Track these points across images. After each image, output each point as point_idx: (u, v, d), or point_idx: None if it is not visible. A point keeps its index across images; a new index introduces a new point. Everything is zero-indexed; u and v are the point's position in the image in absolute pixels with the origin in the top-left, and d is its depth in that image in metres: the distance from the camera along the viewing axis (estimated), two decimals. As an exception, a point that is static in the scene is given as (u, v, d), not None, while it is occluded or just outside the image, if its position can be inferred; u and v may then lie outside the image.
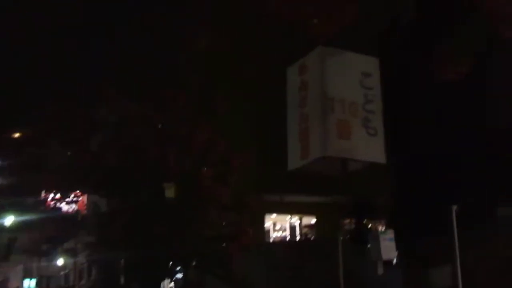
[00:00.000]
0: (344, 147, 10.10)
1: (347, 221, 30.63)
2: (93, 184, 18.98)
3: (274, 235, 30.52)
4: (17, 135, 22.50)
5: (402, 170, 24.59)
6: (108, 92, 18.09)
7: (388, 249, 23.01)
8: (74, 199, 25.44)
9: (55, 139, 19.16)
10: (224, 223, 18.57)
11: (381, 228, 30.72)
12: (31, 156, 19.41)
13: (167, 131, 17.73)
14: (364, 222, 30.30)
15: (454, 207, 20.82)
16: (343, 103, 10.19)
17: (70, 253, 21.19)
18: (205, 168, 17.96)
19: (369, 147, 10.35)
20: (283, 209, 29.20)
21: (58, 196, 27.87)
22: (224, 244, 18.73)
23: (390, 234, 22.56)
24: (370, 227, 30.95)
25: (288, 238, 30.35)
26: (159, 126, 17.65)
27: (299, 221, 30.77)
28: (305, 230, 30.92)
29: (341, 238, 27.12)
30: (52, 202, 27.79)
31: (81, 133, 18.84)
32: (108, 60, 18.98)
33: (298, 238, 30.43)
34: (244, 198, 18.92)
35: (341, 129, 10.11)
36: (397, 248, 22.28)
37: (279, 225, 30.85)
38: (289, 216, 30.55)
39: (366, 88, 10.47)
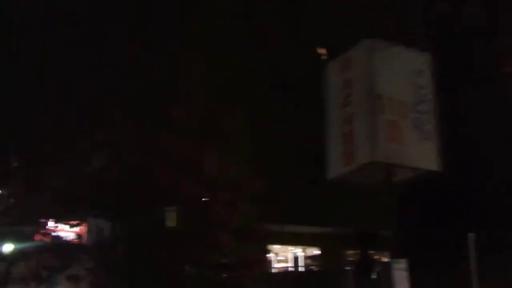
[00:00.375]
0: (394, 152, 8.46)
1: (352, 252, 29.09)
2: (95, 206, 17.20)
3: (276, 266, 28.78)
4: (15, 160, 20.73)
5: (415, 196, 23.07)
6: (112, 111, 16.47)
7: (401, 280, 21.30)
8: (75, 223, 23.51)
9: (55, 160, 17.44)
10: (235, 251, 16.79)
11: (387, 259, 29.12)
12: (30, 177, 17.65)
13: (174, 153, 16.03)
14: (369, 253, 28.74)
15: (471, 235, 19.07)
16: (393, 102, 8.60)
17: (71, 279, 19.20)
18: (215, 193, 16.23)
19: (422, 153, 8.71)
20: (285, 239, 27.51)
21: (57, 222, 25.97)
22: (236, 272, 16.93)
23: (403, 263, 20.89)
24: (375, 258, 29.34)
25: (291, 269, 28.59)
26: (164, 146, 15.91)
27: (302, 252, 29.06)
28: (308, 261, 29.21)
29: (349, 269, 25.65)
30: (51, 229, 25.94)
31: (83, 154, 17.18)
32: (109, 78, 17.29)
33: (301, 269, 28.70)
34: (254, 225, 17.23)
35: (390, 132, 8.50)
36: (410, 278, 20.57)
37: (282, 256, 29.13)
38: (292, 247, 28.84)
39: (418, 87, 8.89)
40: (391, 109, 8.50)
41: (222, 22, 24.98)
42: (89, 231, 19.64)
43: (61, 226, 27.02)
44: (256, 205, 17.51)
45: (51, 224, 27.24)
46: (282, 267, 28.58)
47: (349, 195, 26.83)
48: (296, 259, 28.79)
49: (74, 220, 22.26)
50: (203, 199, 16.12)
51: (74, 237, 24.21)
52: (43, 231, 24.31)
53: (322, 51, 28.95)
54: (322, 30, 27.04)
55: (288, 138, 26.38)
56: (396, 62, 8.77)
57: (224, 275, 17.21)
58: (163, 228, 16.46)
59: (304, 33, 27.30)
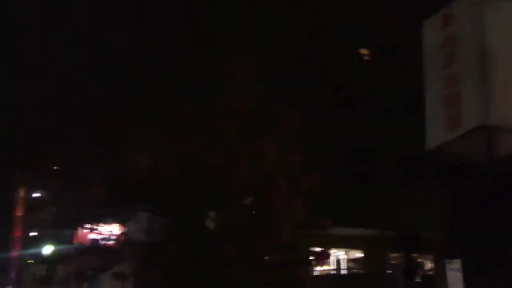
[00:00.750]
0: (508, 114, 7.16)
1: (395, 255, 27.70)
2: (147, 200, 15.90)
3: (318, 269, 27.37)
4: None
5: (470, 196, 21.63)
6: (166, 92, 15.22)
7: (455, 280, 19.81)
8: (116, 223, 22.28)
9: (103, 148, 16.19)
10: (296, 246, 15.45)
11: (430, 262, 27.73)
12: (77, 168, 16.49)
13: (233, 142, 14.78)
14: (413, 256, 27.39)
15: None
16: (505, 59, 7.31)
17: (117, 277, 17.94)
18: (275, 183, 14.91)
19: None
20: (327, 242, 26.11)
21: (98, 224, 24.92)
22: (294, 270, 15.57)
23: (457, 264, 19.42)
24: (419, 261, 27.96)
25: (334, 272, 27.22)
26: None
27: (344, 255, 27.71)
28: (351, 264, 27.84)
29: (391, 272, 24.25)
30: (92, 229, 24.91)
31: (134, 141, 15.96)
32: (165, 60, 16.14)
33: (344, 272, 27.33)
34: (315, 219, 15.94)
35: (504, 92, 7.21)
36: (465, 279, 19.07)
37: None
38: (334, 250, 27.44)
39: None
40: (504, 67, 7.22)
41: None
42: (136, 227, 18.43)
43: (102, 228, 26.09)
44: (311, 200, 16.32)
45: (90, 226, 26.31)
46: (324, 270, 27.20)
47: (393, 196, 25.66)
48: (338, 262, 27.42)
49: (118, 218, 21.03)
50: (261, 191, 14.83)
51: (116, 238, 23.07)
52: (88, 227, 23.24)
53: (364, 51, 27.88)
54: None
55: (333, 138, 25.24)
56: (505, 16, 7.49)
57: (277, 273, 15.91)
58: (218, 225, 15.27)
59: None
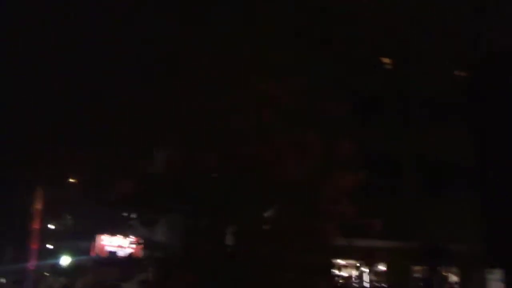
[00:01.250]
0: None
1: (419, 268, 25.65)
2: (180, 197, 13.99)
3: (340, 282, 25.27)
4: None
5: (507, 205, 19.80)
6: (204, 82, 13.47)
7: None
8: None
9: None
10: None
11: (455, 276, 25.67)
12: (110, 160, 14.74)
13: (277, 133, 13.01)
14: (438, 269, 25.33)
15: None
16: None
17: (143, 285, 16.05)
18: (323, 179, 13.16)
19: None
20: (349, 254, 24.09)
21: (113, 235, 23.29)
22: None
23: (499, 274, 17.58)
24: (444, 275, 25.87)
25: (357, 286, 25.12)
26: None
27: (366, 268, 25.58)
28: (374, 276, 25.72)
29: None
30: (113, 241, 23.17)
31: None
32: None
33: (366, 285, 25.22)
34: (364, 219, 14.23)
35: None
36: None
37: (345, 272, 25.64)
38: (356, 262, 25.39)
39: None
40: None
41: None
42: (164, 230, 16.55)
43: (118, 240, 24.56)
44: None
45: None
46: (345, 283, 25.12)
47: (419, 207, 23.77)
48: (360, 275, 25.36)
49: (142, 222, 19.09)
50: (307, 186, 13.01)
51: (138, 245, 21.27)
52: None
53: (386, 60, 26.33)
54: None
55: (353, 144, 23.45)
56: None
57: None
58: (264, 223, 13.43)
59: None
